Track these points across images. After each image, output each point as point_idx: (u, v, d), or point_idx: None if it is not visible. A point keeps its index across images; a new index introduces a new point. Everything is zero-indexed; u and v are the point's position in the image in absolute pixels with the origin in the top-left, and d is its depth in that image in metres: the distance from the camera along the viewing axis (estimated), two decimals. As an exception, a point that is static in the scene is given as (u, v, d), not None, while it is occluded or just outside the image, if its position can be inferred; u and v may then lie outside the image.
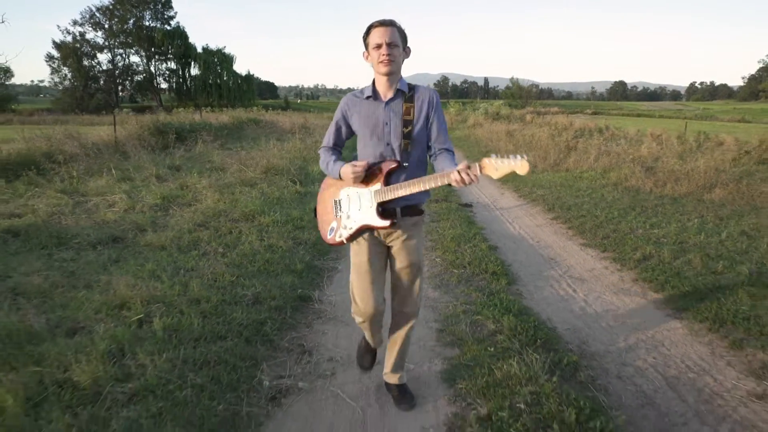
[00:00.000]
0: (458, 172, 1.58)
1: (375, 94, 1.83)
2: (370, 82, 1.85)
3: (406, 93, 1.81)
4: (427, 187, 1.71)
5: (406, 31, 1.79)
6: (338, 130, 1.93)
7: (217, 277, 3.22)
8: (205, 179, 6.88)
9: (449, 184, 1.63)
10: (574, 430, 1.83)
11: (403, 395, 2.11)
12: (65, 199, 5.67)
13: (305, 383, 2.22)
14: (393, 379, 2.13)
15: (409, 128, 1.80)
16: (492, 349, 2.48)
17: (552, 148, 11.11)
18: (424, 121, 1.82)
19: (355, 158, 1.89)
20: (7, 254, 3.80)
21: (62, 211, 5.15)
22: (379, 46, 1.72)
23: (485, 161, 1.60)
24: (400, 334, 2.05)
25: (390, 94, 1.81)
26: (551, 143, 12.03)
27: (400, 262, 1.93)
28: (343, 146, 2.00)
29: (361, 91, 1.88)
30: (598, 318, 3.05)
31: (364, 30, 1.80)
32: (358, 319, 2.00)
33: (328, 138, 1.97)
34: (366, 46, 1.79)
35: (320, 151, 2.00)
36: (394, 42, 1.72)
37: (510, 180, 8.40)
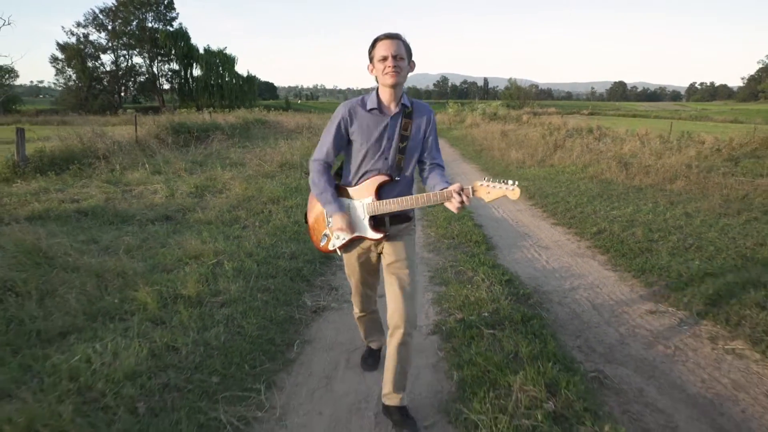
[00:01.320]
0: (453, 193, 1.65)
1: (380, 107, 1.81)
2: (373, 94, 1.83)
3: (409, 108, 1.84)
4: (420, 206, 1.74)
5: (409, 36, 1.79)
6: (339, 139, 1.85)
7: (260, 241, 4.15)
8: (228, 172, 7.80)
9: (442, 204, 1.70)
10: (518, 324, 2.76)
11: (405, 420, 1.94)
12: (112, 188, 6.60)
13: (336, 304, 3.15)
14: (392, 400, 1.96)
15: (405, 144, 1.82)
16: (469, 286, 3.40)
17: (541, 147, 12.05)
18: (421, 138, 1.87)
19: (347, 169, 1.93)
20: (84, 228, 4.72)
21: (114, 197, 6.07)
22: (384, 59, 1.72)
23: (477, 184, 1.67)
24: (392, 348, 1.90)
25: (394, 108, 1.81)
26: (541, 142, 12.96)
27: (388, 257, 1.91)
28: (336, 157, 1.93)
29: (362, 100, 1.85)
30: (554, 272, 3.98)
31: (369, 43, 1.79)
32: (356, 313, 2.30)
33: (327, 149, 1.86)
34: (371, 59, 1.78)
35: (313, 166, 1.90)
36: (400, 54, 1.73)
37: (500, 174, 9.33)
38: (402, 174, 1.85)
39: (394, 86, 1.76)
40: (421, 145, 1.88)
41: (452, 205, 1.67)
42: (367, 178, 1.84)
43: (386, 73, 1.72)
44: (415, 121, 1.84)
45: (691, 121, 39.26)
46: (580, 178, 8.31)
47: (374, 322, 2.37)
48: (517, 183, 1.59)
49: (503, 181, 1.62)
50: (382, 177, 1.81)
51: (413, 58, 1.82)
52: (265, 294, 3.04)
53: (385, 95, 1.81)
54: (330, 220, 1.89)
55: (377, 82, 1.80)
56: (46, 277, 3.05)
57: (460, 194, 1.64)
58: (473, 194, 1.66)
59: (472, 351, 2.46)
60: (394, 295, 1.88)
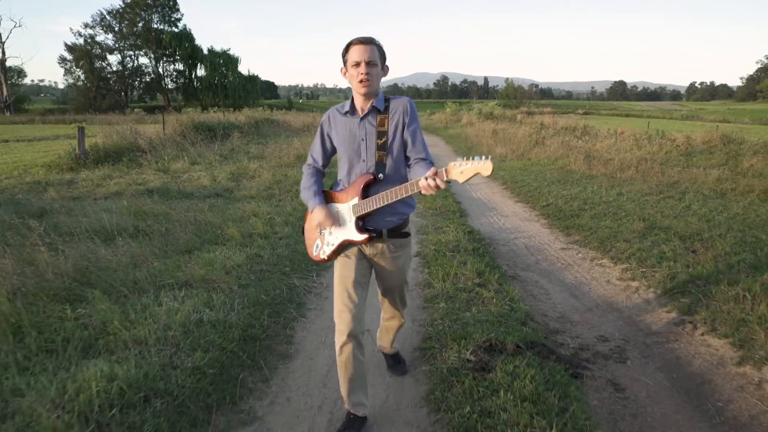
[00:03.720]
0: (425, 178, 1.59)
1: (352, 110, 1.86)
2: (351, 99, 1.87)
3: (381, 109, 1.83)
4: (399, 197, 1.69)
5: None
6: (324, 143, 1.96)
7: (294, 208, 5.71)
8: (255, 163, 9.36)
9: (420, 193, 1.62)
10: (470, 251, 4.30)
11: (397, 362, 2.47)
12: (164, 175, 8.17)
13: (352, 243, 4.72)
14: (388, 350, 2.47)
15: (384, 139, 1.81)
16: (442, 234, 4.96)
17: (524, 143, 13.62)
18: (400, 131, 1.83)
19: (337, 176, 1.98)
20: (158, 201, 6.28)
21: (169, 182, 7.63)
22: (357, 64, 1.74)
23: (450, 165, 1.60)
24: (390, 325, 2.33)
25: (366, 108, 1.83)
26: (525, 139, 14.51)
27: (385, 281, 2.01)
28: (329, 162, 2.01)
29: (342, 105, 1.91)
30: (507, 230, 5.54)
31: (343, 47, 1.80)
32: (339, 340, 1.87)
33: (316, 155, 1.98)
34: (345, 62, 1.80)
35: (304, 169, 2.01)
36: (373, 60, 1.74)
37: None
38: (387, 172, 1.83)
39: (366, 95, 1.81)
40: (401, 138, 1.84)
41: (426, 190, 1.60)
42: (354, 181, 1.87)
43: (359, 81, 1.75)
44: (391, 116, 1.83)
45: (681, 121, 40.63)
46: (549, 168, 9.86)
47: (359, 368, 1.93)
48: (490, 157, 1.53)
49: (476, 157, 1.55)
50: (367, 177, 1.82)
51: (387, 63, 1.84)
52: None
53: (359, 100, 1.85)
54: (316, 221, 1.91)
55: (351, 85, 1.83)
56: (159, 224, 4.61)
57: (434, 179, 1.58)
58: (447, 176, 1.60)
59: (437, 261, 4.02)
60: (392, 305, 2.22)
